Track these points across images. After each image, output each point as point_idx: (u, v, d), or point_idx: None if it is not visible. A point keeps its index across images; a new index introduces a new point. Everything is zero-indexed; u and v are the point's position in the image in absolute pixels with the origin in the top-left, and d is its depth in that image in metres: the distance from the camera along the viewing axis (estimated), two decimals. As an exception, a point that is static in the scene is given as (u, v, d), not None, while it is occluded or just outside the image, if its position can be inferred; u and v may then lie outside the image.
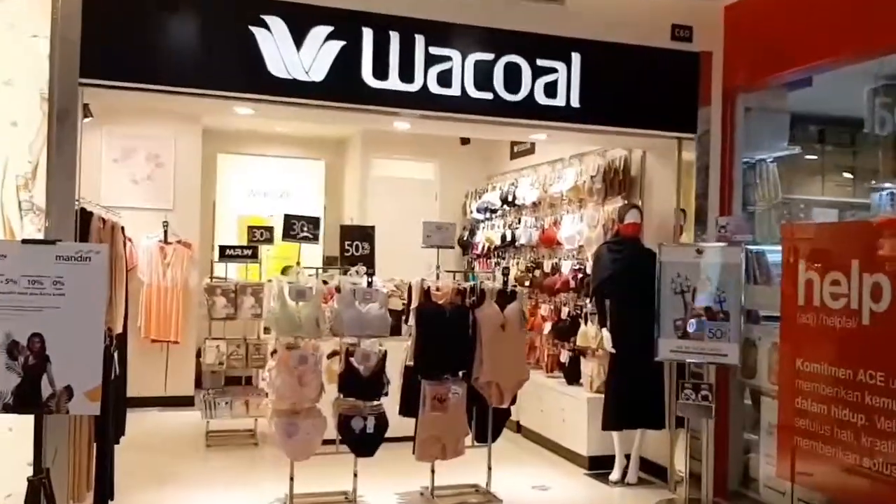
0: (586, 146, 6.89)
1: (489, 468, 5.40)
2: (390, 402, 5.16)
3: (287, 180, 10.35)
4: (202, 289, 6.88)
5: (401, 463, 5.22)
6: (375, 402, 4.98)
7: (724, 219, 5.29)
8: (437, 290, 5.19)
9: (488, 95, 5.08)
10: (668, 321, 5.31)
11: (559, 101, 5.22)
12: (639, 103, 5.47)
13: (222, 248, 7.01)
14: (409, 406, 5.13)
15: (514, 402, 5.30)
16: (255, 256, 7.04)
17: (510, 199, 8.09)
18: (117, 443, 5.07)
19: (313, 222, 5.12)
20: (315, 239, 5.14)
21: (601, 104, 5.34)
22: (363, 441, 4.88)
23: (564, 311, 6.92)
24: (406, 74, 4.91)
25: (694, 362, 5.31)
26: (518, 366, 5.17)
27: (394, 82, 4.89)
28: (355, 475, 5.08)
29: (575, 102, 5.25)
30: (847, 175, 8.45)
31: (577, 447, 6.27)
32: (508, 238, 8.06)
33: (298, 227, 5.06)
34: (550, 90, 5.20)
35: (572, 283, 6.74)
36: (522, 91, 5.14)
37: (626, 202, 6.40)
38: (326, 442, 5.01)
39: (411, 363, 5.04)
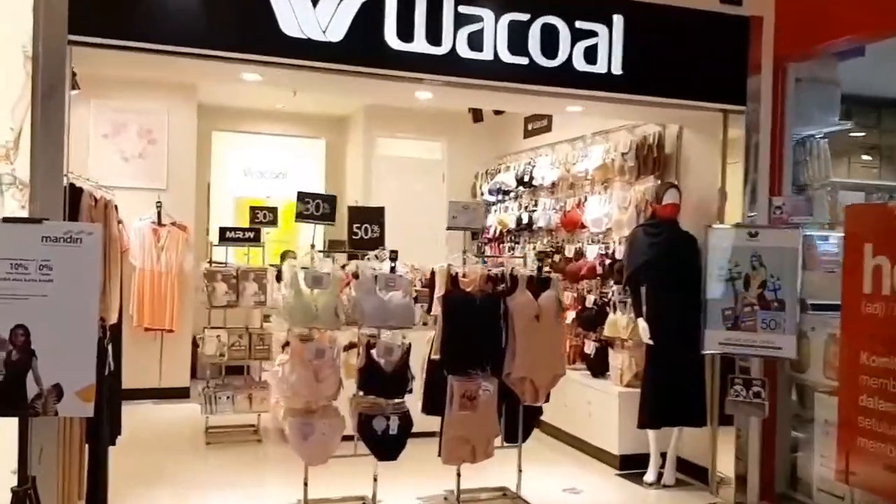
0: (617, 121, 6.41)
1: (519, 470, 4.96)
2: (412, 399, 4.69)
3: (285, 160, 9.85)
4: (201, 274, 6.36)
5: (422, 462, 4.72)
6: (398, 400, 4.51)
7: (779, 199, 4.85)
8: (464, 276, 4.72)
9: (523, 60, 4.59)
10: (716, 311, 4.88)
11: (600, 67, 4.75)
12: (684, 72, 5.00)
13: (223, 231, 6.50)
14: (433, 403, 4.67)
15: (547, 399, 4.84)
16: (257, 239, 6.54)
17: (527, 179, 7.61)
18: (113, 444, 4.57)
19: (329, 201, 4.62)
20: (331, 219, 4.65)
21: (645, 72, 4.86)
22: (385, 443, 4.42)
23: (590, 298, 6.47)
24: (433, 36, 4.41)
25: (745, 355, 4.87)
26: (554, 360, 4.71)
27: (420, 44, 4.39)
28: (375, 479, 4.62)
29: (617, 69, 4.78)
30: (865, 157, 8.07)
31: (607, 445, 5.83)
32: (525, 221, 7.59)
33: (313, 207, 4.56)
34: (590, 55, 4.72)
35: (599, 269, 6.29)
36: (560, 56, 4.66)
37: (659, 181, 5.95)
38: (344, 438, 4.55)
39: (437, 357, 4.56)
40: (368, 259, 4.82)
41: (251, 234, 6.49)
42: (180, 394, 7.87)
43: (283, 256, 9.06)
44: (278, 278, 6.60)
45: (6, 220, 3.34)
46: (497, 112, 7.78)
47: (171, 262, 7.68)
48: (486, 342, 4.56)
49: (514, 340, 4.58)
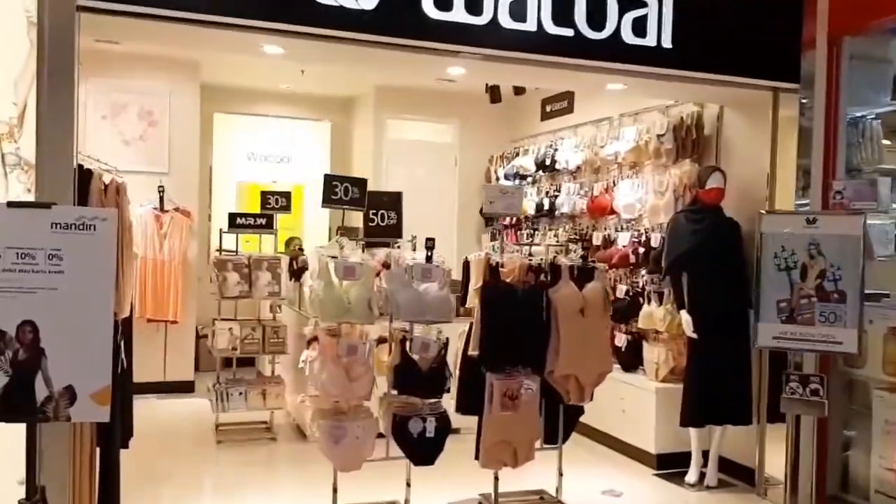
0: (648, 101, 6.08)
1: (560, 474, 4.65)
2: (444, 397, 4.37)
3: (288, 143, 9.46)
4: (210, 263, 6.00)
5: (452, 463, 4.34)
6: (435, 400, 4.19)
7: (839, 183, 4.53)
8: (502, 266, 4.38)
9: (568, 32, 4.25)
10: (770, 303, 4.55)
11: (649, 40, 4.41)
12: (735, 47, 4.68)
13: (232, 217, 6.12)
14: (468, 403, 4.35)
15: (591, 398, 4.52)
16: (269, 226, 6.16)
17: (548, 163, 7.27)
18: (125, 446, 4.23)
19: (359, 185, 4.26)
20: (361, 205, 4.29)
21: (696, 46, 4.53)
22: (422, 446, 4.09)
23: (620, 288, 6.15)
24: (473, 4, 4.06)
25: (802, 351, 4.56)
26: (600, 356, 4.39)
27: (458, 13, 4.04)
28: (408, 484, 4.30)
29: (667, 43, 4.44)
30: (885, 142, 7.77)
31: (643, 444, 5.54)
32: (546, 207, 7.25)
33: (342, 191, 4.20)
34: (639, 27, 4.38)
35: (632, 258, 5.96)
36: (608, 27, 4.31)
37: (697, 164, 5.64)
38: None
39: (475, 353, 4.23)
40: (397, 247, 4.49)
41: (263, 221, 6.11)
42: (185, 388, 7.55)
43: (289, 244, 8.74)
44: (291, 268, 6.29)
45: (11, 204, 3.00)
46: (518, 92, 7.42)
47: (174, 250, 7.31)
48: (528, 337, 4.24)
49: (558, 335, 4.25)
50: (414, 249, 4.35)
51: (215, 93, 8.40)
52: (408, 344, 4.08)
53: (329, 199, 4.19)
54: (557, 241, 6.92)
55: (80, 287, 2.93)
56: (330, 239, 9.35)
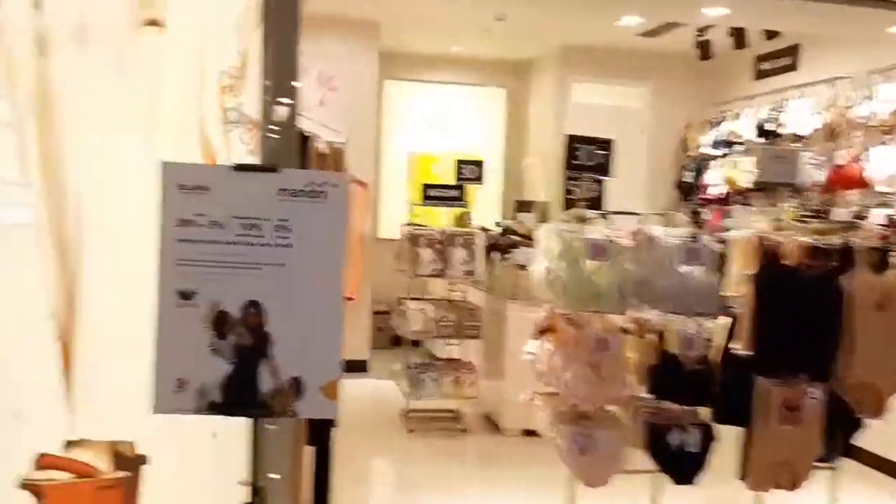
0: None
1: (835, 501, 3.84)
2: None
3: (459, 111, 8.92)
4: (402, 238, 5.53)
5: None
6: (693, 408, 3.49)
7: None
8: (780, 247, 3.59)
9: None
10: None
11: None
12: None
13: (426, 188, 5.63)
14: (730, 411, 3.61)
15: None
16: (461, 198, 5.62)
17: (772, 127, 6.33)
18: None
19: (606, 148, 3.58)
20: (606, 172, 3.62)
21: None
22: (682, 462, 3.41)
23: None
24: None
25: None
26: (903, 360, 3.54)
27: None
28: (656, 504, 3.64)
29: None
30: None
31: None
32: (767, 178, 6.31)
33: (584, 156, 3.54)
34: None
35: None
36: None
37: None
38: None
39: (746, 352, 3.48)
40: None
41: (456, 193, 5.58)
42: (358, 367, 7.21)
43: (461, 218, 8.22)
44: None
45: (239, 167, 2.54)
46: (739, 44, 6.46)
47: (353, 224, 6.90)
48: (813, 335, 3.44)
49: (852, 334, 3.43)
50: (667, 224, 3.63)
51: (386, 59, 7.97)
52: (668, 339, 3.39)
53: (571, 166, 3.54)
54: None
55: (308, 263, 2.42)
56: (504, 214, 8.86)
